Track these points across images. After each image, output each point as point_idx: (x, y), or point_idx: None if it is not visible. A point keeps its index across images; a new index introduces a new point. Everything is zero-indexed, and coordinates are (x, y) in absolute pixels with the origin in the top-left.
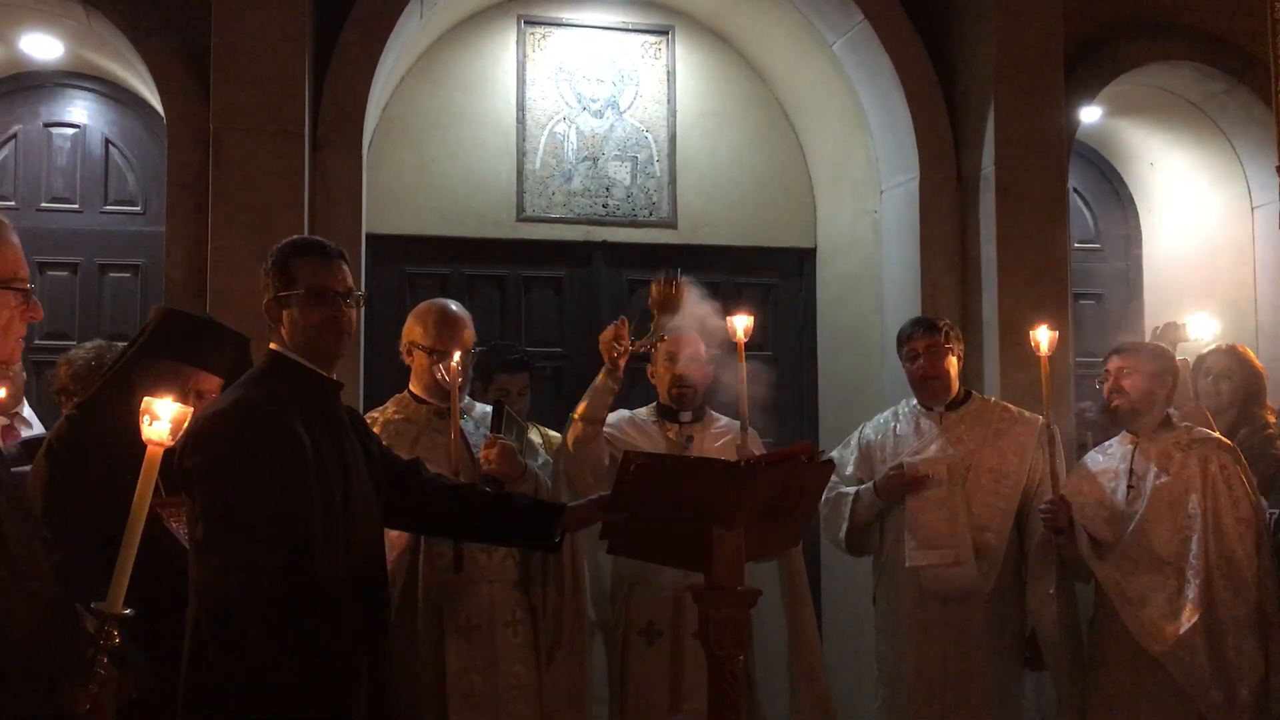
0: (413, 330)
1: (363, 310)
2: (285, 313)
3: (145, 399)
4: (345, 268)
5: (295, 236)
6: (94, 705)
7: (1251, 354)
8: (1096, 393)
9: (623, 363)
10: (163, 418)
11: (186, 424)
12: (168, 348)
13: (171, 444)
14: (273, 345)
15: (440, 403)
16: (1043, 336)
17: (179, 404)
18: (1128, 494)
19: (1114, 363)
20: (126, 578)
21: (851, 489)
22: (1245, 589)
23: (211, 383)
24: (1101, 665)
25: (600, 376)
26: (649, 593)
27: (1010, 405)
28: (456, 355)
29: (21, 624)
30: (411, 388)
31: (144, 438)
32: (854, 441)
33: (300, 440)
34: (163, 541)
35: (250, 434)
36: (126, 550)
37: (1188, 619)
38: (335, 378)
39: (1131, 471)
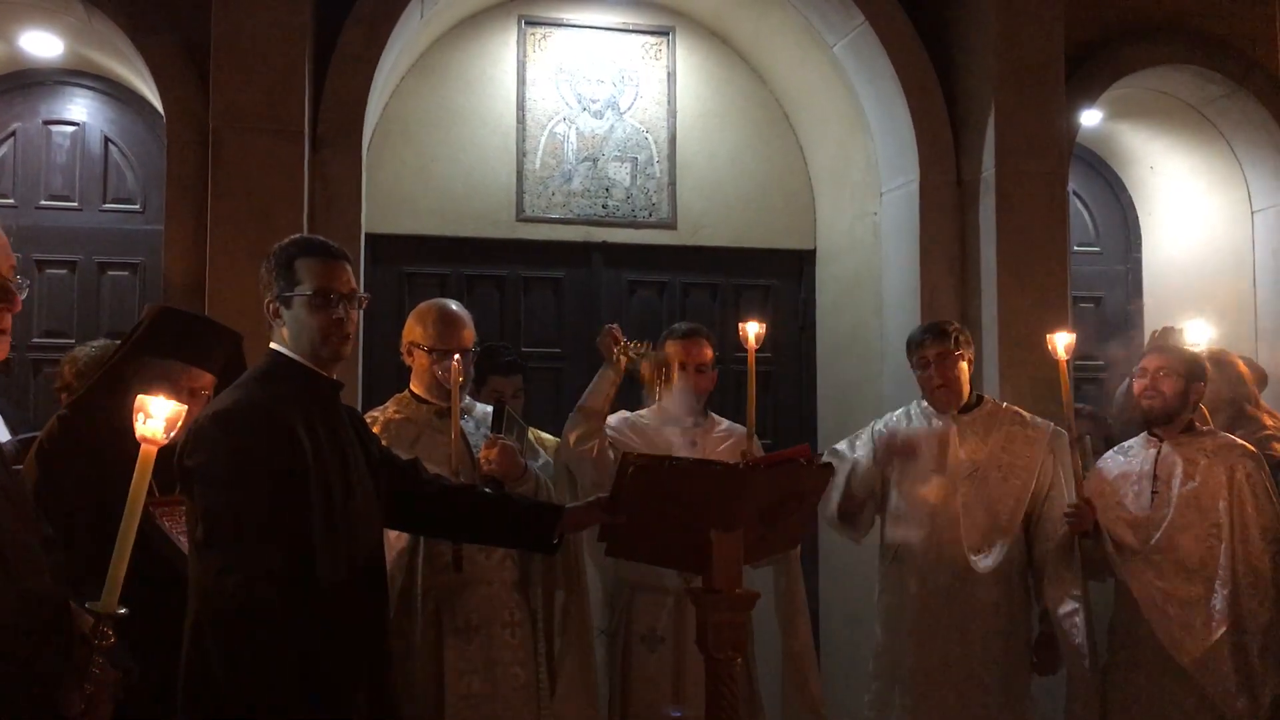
0: (413, 330)
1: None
2: (288, 313)
3: (139, 397)
4: (349, 269)
5: (299, 235)
6: (89, 706)
7: (1233, 356)
8: (1126, 392)
9: (621, 356)
10: (157, 416)
11: (183, 423)
12: (160, 345)
13: (165, 442)
14: (273, 344)
15: (441, 402)
16: (1060, 341)
17: (174, 402)
18: (1152, 499)
19: (1152, 361)
20: (121, 577)
21: (850, 459)
22: (1269, 598)
23: (204, 380)
24: (1123, 668)
25: (601, 369)
26: (651, 598)
27: (1021, 410)
28: (457, 355)
29: (13, 624)
30: (412, 387)
31: (138, 435)
32: (866, 435)
33: (301, 441)
34: (154, 541)
35: (251, 434)
36: (121, 549)
37: (1216, 630)
38: (335, 377)
39: (1155, 476)
